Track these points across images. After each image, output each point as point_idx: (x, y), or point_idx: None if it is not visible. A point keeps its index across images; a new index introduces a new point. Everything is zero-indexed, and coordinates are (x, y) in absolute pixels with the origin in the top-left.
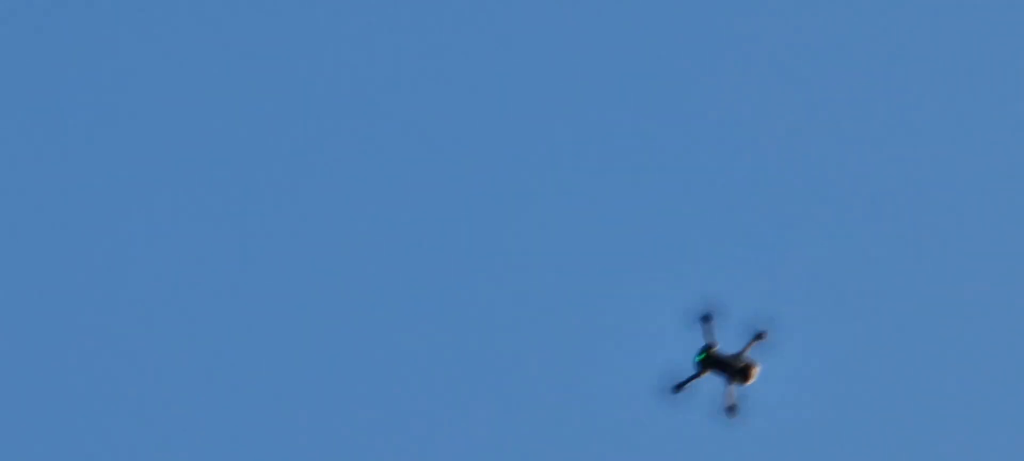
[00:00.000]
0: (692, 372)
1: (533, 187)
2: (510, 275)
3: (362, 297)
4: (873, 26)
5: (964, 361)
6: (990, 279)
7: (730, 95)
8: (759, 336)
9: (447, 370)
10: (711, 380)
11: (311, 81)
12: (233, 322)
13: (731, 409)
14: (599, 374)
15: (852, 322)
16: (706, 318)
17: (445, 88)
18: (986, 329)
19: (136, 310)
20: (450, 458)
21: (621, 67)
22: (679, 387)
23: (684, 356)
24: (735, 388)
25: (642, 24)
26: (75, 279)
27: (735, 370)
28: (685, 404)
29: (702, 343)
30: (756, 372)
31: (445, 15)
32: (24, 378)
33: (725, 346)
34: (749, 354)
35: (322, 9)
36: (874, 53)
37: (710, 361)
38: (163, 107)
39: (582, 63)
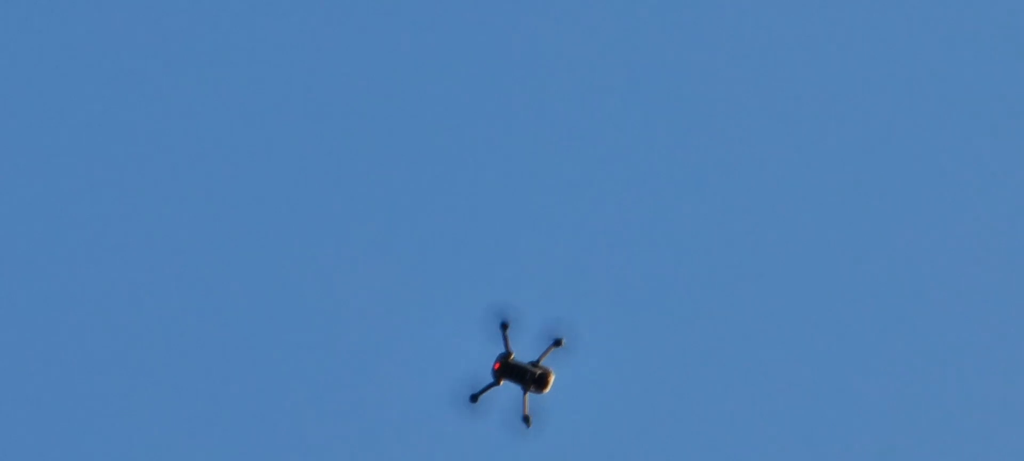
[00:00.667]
0: (489, 381)
1: (326, 188)
2: (296, 277)
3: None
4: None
5: (767, 364)
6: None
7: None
8: (557, 343)
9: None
10: (508, 388)
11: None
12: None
13: (527, 418)
14: (394, 383)
15: (648, 329)
16: (503, 325)
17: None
18: (794, 331)
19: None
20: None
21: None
22: (476, 396)
23: (481, 365)
24: (532, 396)
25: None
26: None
27: (531, 378)
28: (482, 413)
29: (499, 351)
30: (552, 380)
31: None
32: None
33: (522, 354)
34: (546, 362)
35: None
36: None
37: (507, 369)
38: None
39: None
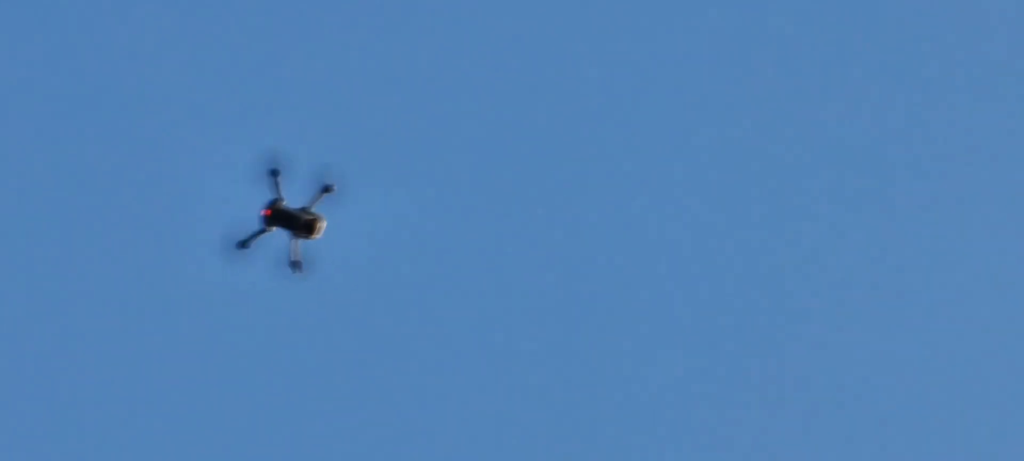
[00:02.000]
0: (257, 227)
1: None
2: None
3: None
4: None
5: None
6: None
7: None
8: (326, 189)
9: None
10: (277, 235)
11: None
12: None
13: (296, 264)
14: (162, 231)
15: (423, 176)
16: (273, 172)
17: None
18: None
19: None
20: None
21: None
22: (244, 243)
23: (249, 212)
24: (301, 243)
25: None
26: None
27: (301, 224)
28: (250, 260)
29: (268, 197)
30: (322, 226)
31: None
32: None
33: (291, 200)
34: (315, 208)
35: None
36: None
37: (276, 216)
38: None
39: None
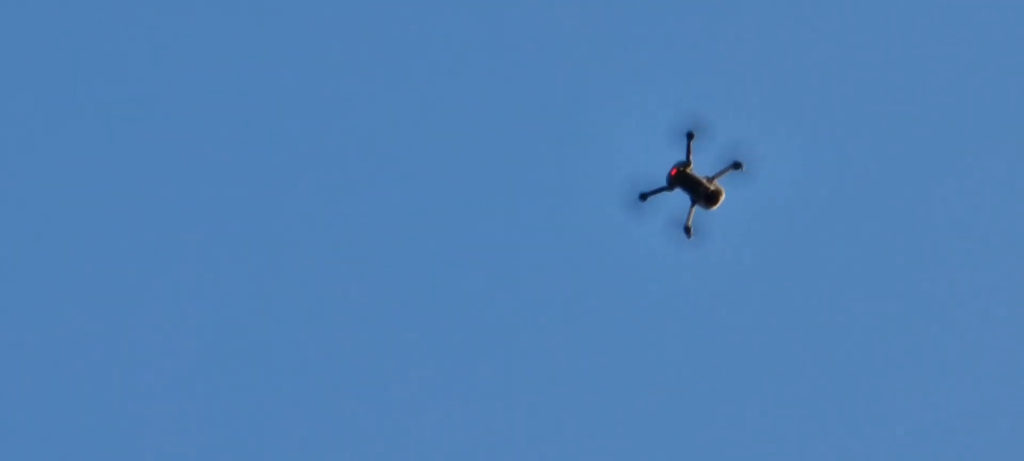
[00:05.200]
0: (662, 184)
1: None
2: (498, 56)
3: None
4: None
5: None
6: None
7: None
8: (736, 165)
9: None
10: (678, 197)
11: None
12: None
13: (689, 230)
14: (569, 171)
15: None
16: (689, 135)
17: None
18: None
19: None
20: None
21: None
22: (645, 195)
23: (659, 167)
24: (698, 209)
25: None
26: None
27: (703, 192)
28: (646, 213)
29: (679, 159)
30: (722, 199)
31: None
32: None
33: (700, 167)
34: (721, 181)
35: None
36: None
37: (681, 178)
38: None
39: None
